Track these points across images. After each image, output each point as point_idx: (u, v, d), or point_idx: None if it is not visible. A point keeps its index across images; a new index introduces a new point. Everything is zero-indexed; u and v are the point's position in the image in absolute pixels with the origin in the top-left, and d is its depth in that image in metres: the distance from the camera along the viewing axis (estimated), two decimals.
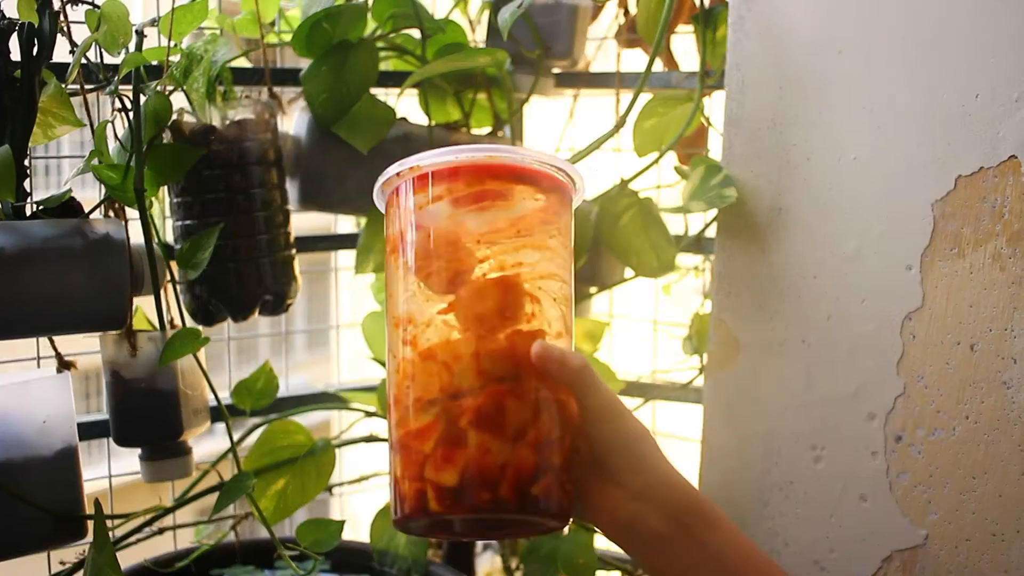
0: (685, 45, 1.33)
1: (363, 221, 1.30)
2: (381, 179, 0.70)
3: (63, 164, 1.21)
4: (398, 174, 0.68)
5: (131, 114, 1.03)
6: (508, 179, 0.66)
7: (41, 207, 1.00)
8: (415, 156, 0.68)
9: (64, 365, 1.06)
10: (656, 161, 1.24)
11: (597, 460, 0.66)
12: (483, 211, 0.65)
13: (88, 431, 1.14)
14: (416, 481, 0.62)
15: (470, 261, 0.64)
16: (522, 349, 0.64)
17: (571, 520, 0.66)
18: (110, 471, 1.21)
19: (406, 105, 1.32)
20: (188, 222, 1.12)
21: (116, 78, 1.03)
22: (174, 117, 1.09)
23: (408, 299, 0.65)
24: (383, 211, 0.73)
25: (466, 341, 0.63)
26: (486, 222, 0.65)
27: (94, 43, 1.00)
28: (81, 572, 1.02)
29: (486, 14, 1.34)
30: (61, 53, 0.98)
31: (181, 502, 1.14)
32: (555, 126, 1.46)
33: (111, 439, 1.12)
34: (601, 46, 1.44)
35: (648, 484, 0.66)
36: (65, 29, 0.99)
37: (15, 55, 0.95)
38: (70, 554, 1.06)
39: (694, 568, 0.64)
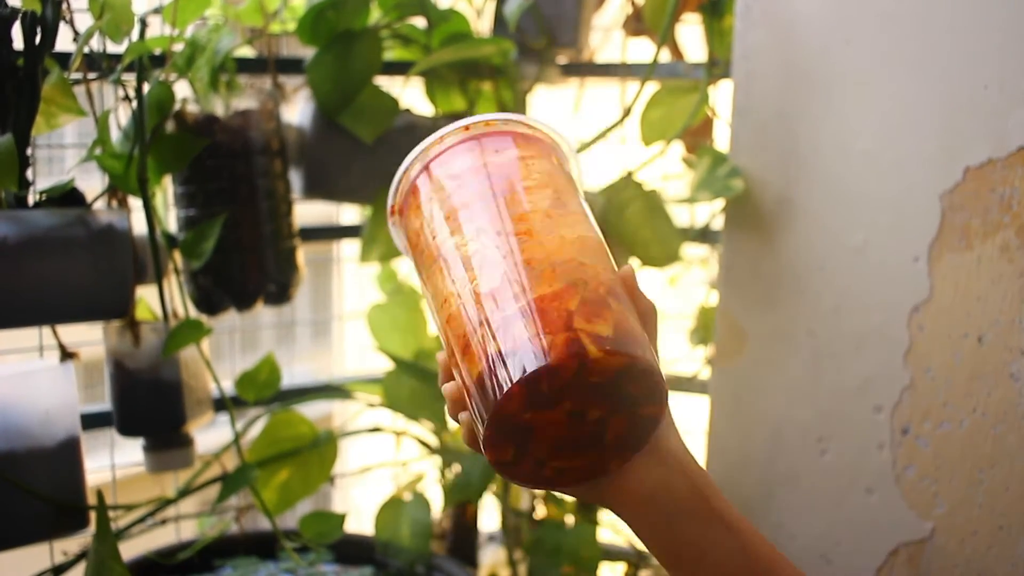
0: (692, 35, 1.32)
1: (367, 211, 1.30)
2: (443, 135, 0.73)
3: (66, 154, 1.20)
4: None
5: (134, 103, 1.03)
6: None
7: (44, 196, 1.00)
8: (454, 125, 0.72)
9: (67, 355, 1.06)
10: (662, 152, 1.23)
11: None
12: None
13: (91, 421, 1.14)
14: (566, 332, 0.61)
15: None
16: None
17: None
18: (113, 461, 1.21)
19: (410, 95, 1.32)
20: (191, 212, 1.11)
21: (119, 67, 1.02)
22: (177, 106, 1.08)
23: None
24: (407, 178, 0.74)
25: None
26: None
27: (97, 31, 0.99)
28: (83, 563, 1.02)
29: (491, 3, 1.33)
30: (64, 42, 0.98)
31: (184, 493, 1.14)
32: (560, 116, 1.45)
33: (114, 429, 1.12)
34: (607, 36, 1.43)
35: (673, 450, 0.65)
36: (68, 17, 0.99)
37: (18, 43, 0.95)
38: (72, 544, 1.06)
39: (717, 543, 0.63)
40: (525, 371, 0.60)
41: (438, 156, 0.71)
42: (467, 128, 0.71)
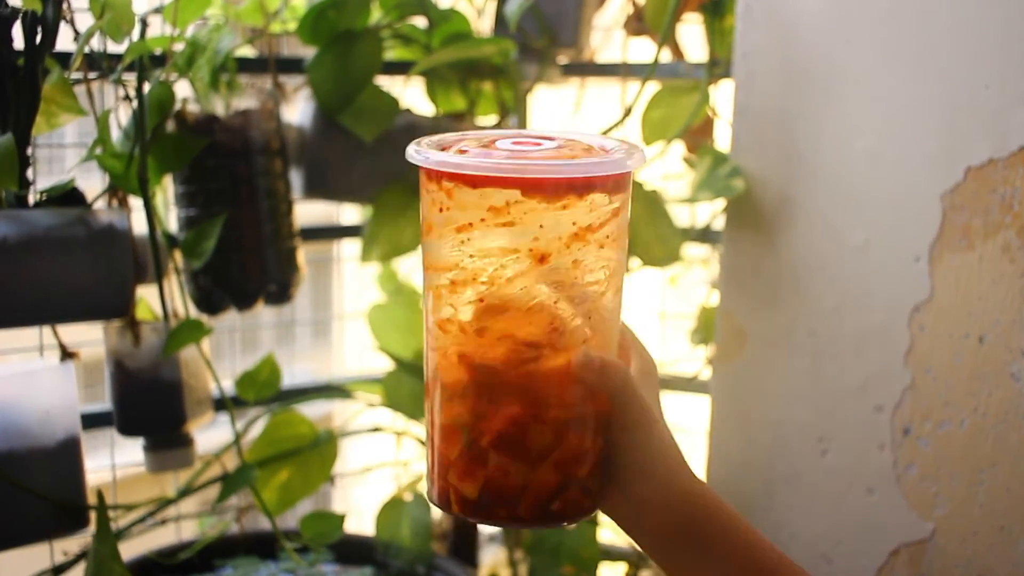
0: (693, 35, 1.32)
1: (368, 210, 1.30)
2: None
3: (66, 153, 1.20)
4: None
5: (135, 103, 1.03)
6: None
7: (44, 196, 1.00)
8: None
9: (67, 355, 1.06)
10: (663, 151, 1.23)
11: (628, 464, 0.66)
12: None
13: (91, 421, 1.14)
14: (442, 479, 0.62)
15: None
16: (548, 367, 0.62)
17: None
18: (113, 461, 1.21)
19: (411, 94, 1.32)
20: (192, 211, 1.11)
21: (120, 67, 1.02)
22: (178, 106, 1.08)
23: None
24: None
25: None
26: None
27: (98, 31, 0.99)
28: (83, 562, 1.02)
29: (492, 2, 1.33)
30: (64, 41, 0.98)
31: (184, 493, 1.14)
32: (561, 116, 1.45)
33: (114, 429, 1.12)
34: (608, 35, 1.43)
35: (675, 496, 0.65)
36: (68, 17, 0.99)
37: (18, 43, 0.95)
38: (72, 544, 1.06)
39: (715, 558, 0.64)
40: (433, 499, 0.64)
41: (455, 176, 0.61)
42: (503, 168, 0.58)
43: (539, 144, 0.61)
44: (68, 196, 1.01)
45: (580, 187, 0.57)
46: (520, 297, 0.59)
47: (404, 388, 1.25)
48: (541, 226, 0.57)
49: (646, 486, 0.65)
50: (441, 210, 0.60)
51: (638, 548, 1.35)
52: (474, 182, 0.57)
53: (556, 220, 0.57)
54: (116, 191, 1.06)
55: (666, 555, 0.66)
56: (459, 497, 0.61)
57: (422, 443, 1.30)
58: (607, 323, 0.63)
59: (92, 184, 1.07)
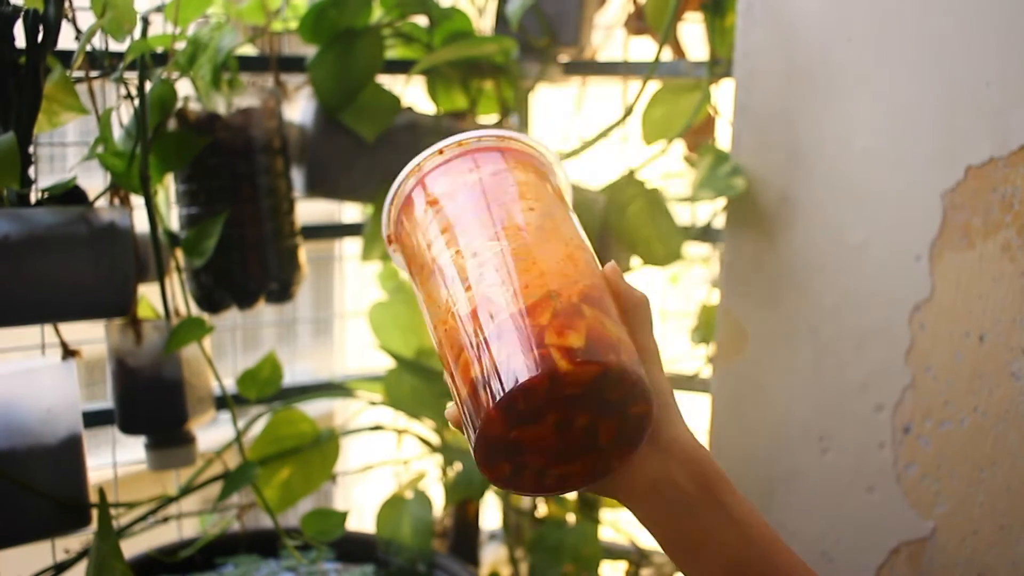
0: (693, 33, 1.32)
1: (369, 209, 1.30)
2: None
3: (68, 152, 1.20)
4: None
5: (136, 101, 1.03)
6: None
7: (46, 195, 1.00)
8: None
9: (69, 353, 1.06)
10: (664, 150, 1.23)
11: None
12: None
13: (92, 419, 1.14)
14: (537, 348, 0.62)
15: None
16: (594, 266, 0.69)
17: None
18: (115, 459, 1.21)
19: (412, 93, 1.32)
20: (193, 210, 1.11)
21: (121, 65, 1.02)
22: (179, 105, 1.08)
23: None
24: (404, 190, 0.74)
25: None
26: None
27: (99, 30, 0.99)
28: (85, 560, 1.02)
29: (493, 1, 1.33)
30: (66, 40, 0.98)
31: (185, 491, 1.14)
32: (562, 115, 1.45)
33: (115, 427, 1.12)
34: (609, 34, 1.43)
35: (676, 440, 0.65)
36: (70, 15, 0.99)
37: (20, 42, 0.95)
38: (74, 542, 1.06)
39: (717, 533, 0.64)
40: (499, 394, 0.62)
41: (432, 171, 0.72)
42: (460, 144, 0.72)
43: None
44: (70, 194, 1.01)
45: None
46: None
47: (405, 386, 1.25)
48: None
49: (666, 432, 0.65)
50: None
51: (640, 545, 1.35)
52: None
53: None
54: (118, 189, 1.06)
55: (686, 517, 0.65)
56: (566, 352, 0.61)
57: (423, 440, 1.30)
58: None
59: (94, 182, 1.07)
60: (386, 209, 0.73)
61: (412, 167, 0.72)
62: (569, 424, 0.63)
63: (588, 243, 0.71)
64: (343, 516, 1.15)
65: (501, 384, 0.62)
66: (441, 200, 0.71)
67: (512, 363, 0.62)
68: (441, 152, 0.72)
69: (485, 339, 0.64)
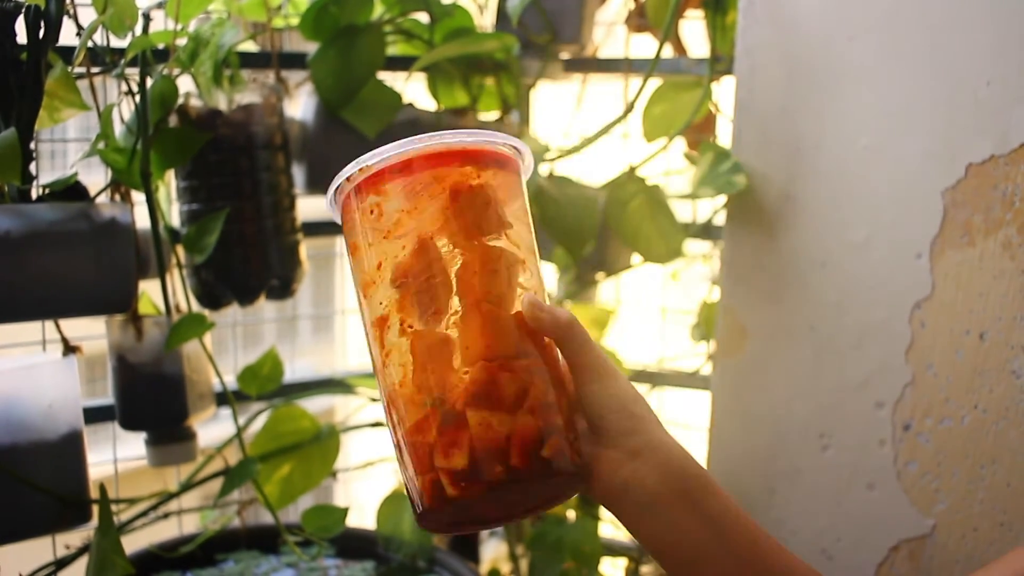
0: (694, 31, 1.32)
1: None
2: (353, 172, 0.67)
3: (69, 148, 1.20)
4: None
5: (137, 98, 1.03)
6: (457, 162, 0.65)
7: (47, 191, 1.00)
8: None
9: (70, 349, 1.06)
10: (665, 147, 1.23)
11: (591, 421, 0.66)
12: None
13: (93, 415, 1.14)
14: (428, 473, 0.62)
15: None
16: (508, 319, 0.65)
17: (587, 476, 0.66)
18: (115, 455, 1.21)
19: (413, 90, 1.32)
20: (194, 206, 1.11)
21: (122, 61, 1.02)
22: (181, 101, 1.08)
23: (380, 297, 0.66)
24: (339, 213, 0.69)
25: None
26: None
27: (100, 26, 0.99)
28: (86, 556, 1.02)
29: None
30: (67, 36, 0.98)
31: (186, 487, 1.14)
32: (563, 112, 1.45)
33: (116, 423, 1.12)
34: (610, 31, 1.43)
35: (645, 444, 0.65)
36: (71, 12, 0.99)
37: (21, 38, 0.95)
38: (75, 538, 1.06)
39: (690, 534, 0.64)
40: (416, 509, 0.63)
41: (356, 186, 0.67)
42: (362, 169, 0.66)
43: None
44: (71, 190, 1.01)
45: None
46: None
47: None
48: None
49: (633, 439, 0.65)
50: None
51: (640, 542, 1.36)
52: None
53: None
54: (119, 186, 1.06)
55: (658, 519, 0.65)
56: (451, 476, 0.61)
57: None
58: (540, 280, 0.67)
59: (95, 179, 1.07)
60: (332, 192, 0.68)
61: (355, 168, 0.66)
62: (500, 500, 0.63)
63: (525, 260, 0.66)
64: (344, 512, 1.15)
65: (412, 500, 0.64)
66: (355, 238, 0.66)
67: (415, 484, 0.63)
68: (361, 170, 0.66)
69: (397, 442, 0.64)
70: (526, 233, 0.67)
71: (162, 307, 1.10)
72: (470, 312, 0.62)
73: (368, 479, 1.47)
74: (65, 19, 0.96)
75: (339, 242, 1.52)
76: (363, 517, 1.44)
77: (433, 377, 0.62)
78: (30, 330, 1.06)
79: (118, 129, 1.05)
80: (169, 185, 1.15)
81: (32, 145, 0.97)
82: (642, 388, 1.36)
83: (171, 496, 1.13)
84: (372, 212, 0.65)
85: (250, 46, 1.22)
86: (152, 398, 1.11)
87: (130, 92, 1.05)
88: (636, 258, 1.26)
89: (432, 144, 0.64)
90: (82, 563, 1.03)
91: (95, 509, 1.01)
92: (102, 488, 0.97)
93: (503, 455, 0.61)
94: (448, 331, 0.62)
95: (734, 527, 0.65)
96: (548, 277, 1.31)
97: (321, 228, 1.33)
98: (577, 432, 0.65)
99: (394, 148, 0.64)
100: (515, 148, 0.67)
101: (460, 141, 0.64)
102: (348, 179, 0.66)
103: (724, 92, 1.22)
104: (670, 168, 1.33)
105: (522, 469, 0.61)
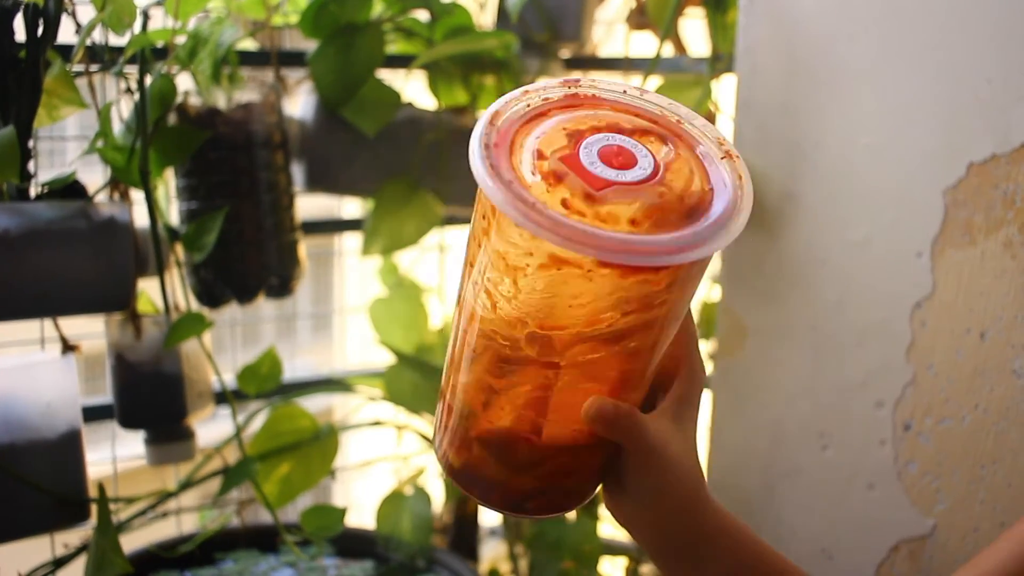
0: (695, 29, 1.32)
1: (369, 204, 1.30)
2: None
3: (68, 146, 1.20)
4: None
5: (136, 96, 1.03)
6: None
7: (46, 189, 1.00)
8: None
9: (68, 348, 1.06)
10: None
11: (624, 486, 0.65)
12: None
13: (92, 414, 1.14)
14: (448, 446, 0.64)
15: None
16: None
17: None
18: (114, 454, 1.21)
19: (413, 88, 1.32)
20: (193, 204, 1.11)
21: (121, 59, 1.02)
22: (180, 99, 1.08)
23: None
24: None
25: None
26: None
27: (99, 24, 0.99)
28: (84, 555, 1.02)
29: None
30: (66, 34, 0.98)
31: (185, 486, 1.14)
32: None
33: (115, 422, 1.12)
34: (610, 29, 1.43)
35: (668, 458, 0.63)
36: (70, 9, 0.99)
37: (20, 35, 0.95)
38: (73, 537, 1.06)
39: (707, 547, 0.64)
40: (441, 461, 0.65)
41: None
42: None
43: (634, 163, 0.56)
44: (69, 189, 1.01)
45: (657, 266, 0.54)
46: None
47: (405, 382, 1.25)
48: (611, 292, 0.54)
49: (656, 510, 0.64)
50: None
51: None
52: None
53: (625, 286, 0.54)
54: (117, 184, 1.06)
55: (663, 539, 0.65)
56: (446, 459, 0.63)
57: (423, 436, 1.30)
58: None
59: (93, 177, 1.07)
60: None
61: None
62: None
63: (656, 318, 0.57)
64: (342, 512, 1.15)
65: (437, 445, 0.65)
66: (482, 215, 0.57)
67: (442, 443, 0.64)
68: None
69: (442, 395, 0.64)
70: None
71: (161, 306, 1.10)
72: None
73: (367, 478, 1.47)
74: (64, 17, 0.96)
75: (338, 240, 1.52)
76: (362, 517, 1.44)
77: (469, 394, 0.61)
78: (28, 329, 1.06)
79: (117, 127, 1.05)
80: (168, 183, 1.14)
81: (31, 143, 0.97)
82: None
83: (170, 495, 1.13)
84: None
85: (249, 44, 1.21)
86: (151, 397, 1.11)
87: (129, 90, 1.05)
88: None
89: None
90: (80, 562, 1.03)
91: (93, 508, 1.01)
92: (100, 487, 0.97)
93: (486, 490, 0.63)
94: None
95: (744, 538, 0.65)
96: None
97: (320, 227, 1.33)
98: (592, 481, 0.64)
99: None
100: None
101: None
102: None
103: (724, 91, 1.22)
104: None
105: (498, 508, 0.63)
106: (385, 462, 1.36)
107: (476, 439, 0.60)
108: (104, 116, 1.01)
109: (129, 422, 1.12)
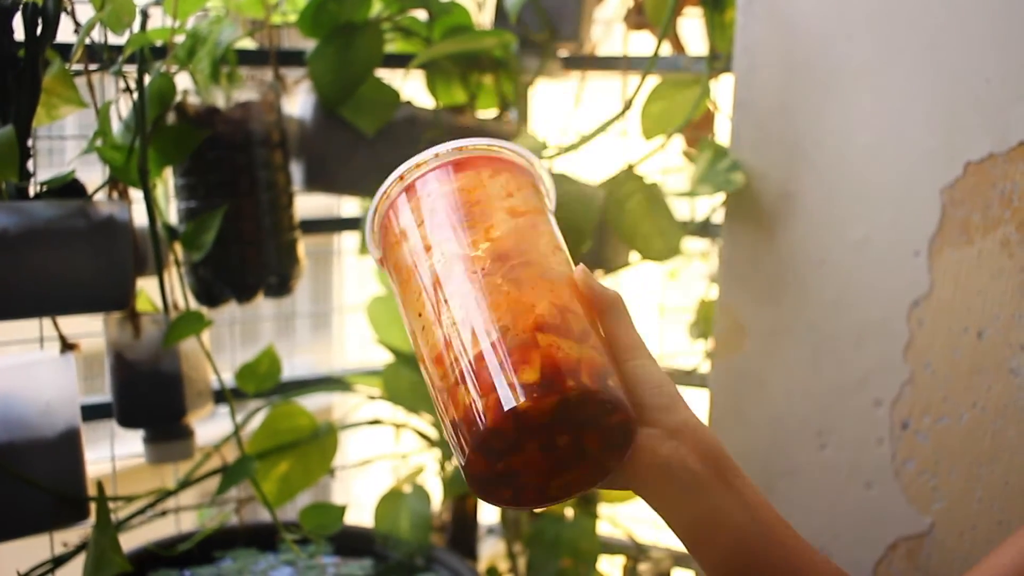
0: (693, 28, 1.32)
1: (368, 203, 1.30)
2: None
3: (67, 145, 1.20)
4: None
5: (135, 95, 1.03)
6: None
7: (45, 188, 1.00)
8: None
9: (67, 346, 1.06)
10: (663, 145, 1.23)
11: (628, 397, 0.66)
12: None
13: (91, 413, 1.14)
14: (499, 389, 0.62)
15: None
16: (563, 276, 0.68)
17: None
18: (113, 453, 1.21)
19: (412, 87, 1.32)
20: (192, 203, 1.11)
21: (120, 58, 1.02)
22: (178, 98, 1.08)
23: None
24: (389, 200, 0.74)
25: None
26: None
27: (98, 23, 0.99)
28: (84, 554, 1.02)
29: None
30: (65, 33, 0.98)
31: (184, 484, 1.14)
32: (561, 109, 1.45)
33: (114, 421, 1.12)
34: (608, 29, 1.43)
35: (683, 423, 0.65)
36: (69, 8, 0.99)
37: (19, 34, 0.95)
38: (73, 536, 1.06)
39: (731, 517, 0.64)
40: (472, 440, 0.63)
41: (415, 180, 0.72)
42: (437, 156, 0.71)
43: None
44: (68, 188, 1.01)
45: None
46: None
47: (403, 381, 1.25)
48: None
49: (673, 417, 0.65)
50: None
51: (638, 540, 1.35)
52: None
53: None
54: (116, 183, 1.06)
55: (698, 499, 0.65)
56: (522, 387, 0.62)
57: (421, 434, 1.30)
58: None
59: (92, 176, 1.07)
60: (369, 223, 0.74)
61: (397, 175, 0.72)
62: (552, 444, 0.64)
63: (563, 246, 0.71)
64: (341, 510, 1.15)
65: (471, 428, 0.63)
66: (411, 222, 0.71)
67: (476, 407, 0.63)
68: (418, 166, 0.72)
69: (456, 381, 0.65)
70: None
71: (160, 304, 1.10)
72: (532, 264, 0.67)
73: (366, 477, 1.47)
74: (63, 16, 0.96)
75: (337, 239, 1.52)
76: (361, 515, 1.44)
77: (513, 298, 0.65)
78: (27, 328, 1.06)
79: (116, 126, 1.05)
80: (167, 183, 1.14)
81: (30, 142, 0.97)
82: None
83: (169, 494, 1.13)
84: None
85: (248, 43, 1.21)
86: (150, 395, 1.11)
87: (128, 89, 1.05)
88: (634, 256, 1.26)
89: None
90: (79, 561, 1.03)
91: (92, 507, 1.01)
92: (99, 486, 0.97)
93: (574, 372, 0.62)
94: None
95: (766, 510, 0.65)
96: None
97: (319, 225, 1.33)
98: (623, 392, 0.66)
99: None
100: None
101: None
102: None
103: (723, 90, 1.22)
104: (668, 166, 1.33)
105: (591, 388, 0.62)
106: (384, 460, 1.36)
107: (536, 329, 0.64)
108: (103, 115, 1.01)
109: (128, 421, 1.12)
